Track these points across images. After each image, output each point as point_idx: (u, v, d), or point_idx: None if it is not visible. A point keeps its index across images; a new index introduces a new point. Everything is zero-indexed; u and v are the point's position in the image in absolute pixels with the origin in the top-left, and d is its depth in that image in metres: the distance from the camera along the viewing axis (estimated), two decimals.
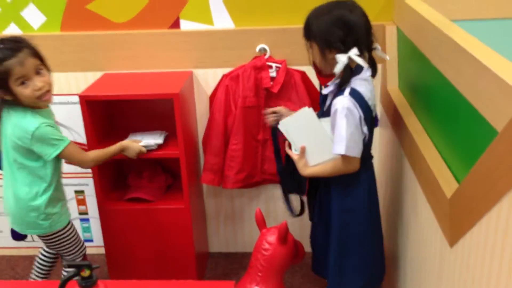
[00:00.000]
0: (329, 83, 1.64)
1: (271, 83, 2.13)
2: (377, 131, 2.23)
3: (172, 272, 2.26)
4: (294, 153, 1.72)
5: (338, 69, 1.53)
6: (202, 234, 2.45)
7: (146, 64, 2.22)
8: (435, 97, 1.49)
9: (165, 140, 2.13)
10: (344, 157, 1.58)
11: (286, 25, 2.13)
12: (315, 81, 2.19)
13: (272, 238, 1.83)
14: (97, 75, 2.23)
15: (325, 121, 1.65)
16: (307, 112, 1.66)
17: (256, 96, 2.15)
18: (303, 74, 2.16)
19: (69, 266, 1.04)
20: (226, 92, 2.15)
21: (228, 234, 2.54)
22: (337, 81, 1.59)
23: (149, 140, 2.06)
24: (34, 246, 2.58)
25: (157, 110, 2.23)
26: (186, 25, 2.16)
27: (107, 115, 2.22)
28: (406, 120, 1.68)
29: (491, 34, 1.60)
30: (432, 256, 1.40)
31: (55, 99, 2.27)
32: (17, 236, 2.61)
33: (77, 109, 2.25)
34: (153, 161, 2.28)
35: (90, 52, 2.20)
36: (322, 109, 1.73)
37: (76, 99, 2.26)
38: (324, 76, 1.66)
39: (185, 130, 2.08)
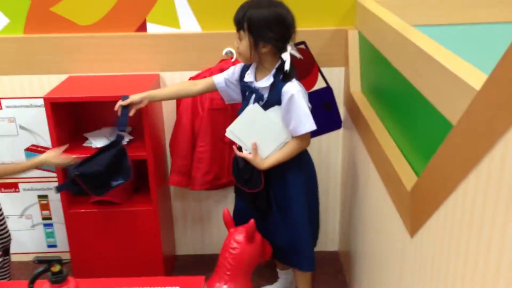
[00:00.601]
0: (263, 78, 1.76)
1: None
2: (340, 132, 2.30)
3: (139, 275, 2.24)
4: (246, 154, 1.79)
5: (287, 65, 1.68)
6: (169, 236, 2.45)
7: (112, 67, 2.21)
8: (395, 98, 1.56)
9: (132, 142, 2.13)
10: (305, 134, 1.74)
11: None
12: None
13: (240, 237, 1.86)
14: (62, 78, 2.21)
15: (272, 110, 1.75)
16: (253, 109, 1.76)
17: (223, 99, 2.17)
18: None
19: (39, 262, 1.04)
20: None
21: (195, 236, 2.55)
22: (272, 75, 1.73)
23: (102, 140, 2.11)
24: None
25: None
26: (152, 28, 2.18)
27: (72, 118, 2.20)
28: (369, 120, 1.75)
29: (449, 39, 1.69)
30: (393, 247, 1.46)
31: (18, 102, 2.26)
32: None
33: (41, 112, 2.24)
34: None
35: (55, 54, 2.18)
36: (251, 101, 1.80)
37: (40, 102, 2.24)
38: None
39: (152, 132, 2.08)
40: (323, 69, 2.10)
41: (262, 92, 1.77)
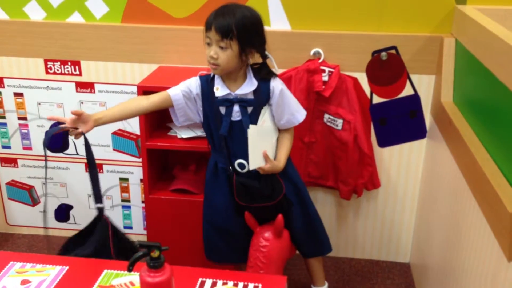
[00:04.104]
0: (243, 85, 1.72)
1: (323, 87, 2.16)
2: (424, 142, 2.23)
3: (209, 265, 2.29)
4: (263, 165, 1.76)
5: (275, 63, 1.78)
6: None
7: (202, 59, 2.25)
8: (497, 112, 1.49)
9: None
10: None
11: (342, 30, 2.15)
12: (367, 88, 2.21)
13: (268, 234, 1.84)
14: (152, 67, 2.29)
15: (262, 115, 1.74)
16: (253, 131, 1.72)
17: (307, 99, 2.17)
18: (355, 81, 2.18)
19: (141, 246, 1.08)
20: None
21: None
22: (252, 78, 1.72)
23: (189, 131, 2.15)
24: (77, 229, 2.66)
25: None
26: None
27: None
28: (462, 133, 1.68)
29: None
30: (484, 269, 1.40)
31: (110, 87, 2.36)
32: (60, 217, 2.69)
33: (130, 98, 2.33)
34: (200, 155, 2.32)
35: (148, 44, 2.26)
36: (234, 113, 1.73)
37: (130, 88, 2.34)
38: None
39: None
40: (412, 76, 2.04)
41: (247, 98, 1.72)
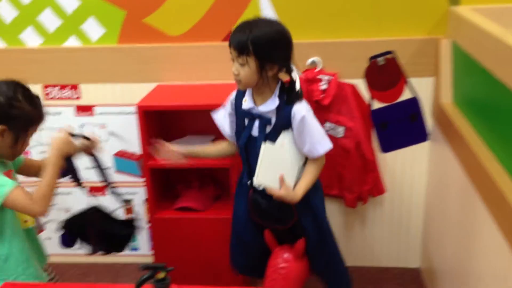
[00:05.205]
0: (266, 102, 1.64)
1: (322, 95, 2.15)
2: (427, 144, 2.22)
3: (218, 282, 2.27)
4: (276, 190, 1.65)
5: (298, 85, 1.63)
6: None
7: (199, 76, 2.27)
8: (500, 112, 1.48)
9: None
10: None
11: (338, 38, 2.15)
12: (366, 95, 2.21)
13: (287, 255, 1.78)
14: (150, 86, 2.29)
15: (282, 138, 1.65)
16: (267, 148, 1.64)
17: None
18: (354, 88, 2.18)
19: (145, 268, 1.07)
20: None
21: None
22: (276, 97, 1.62)
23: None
24: (82, 254, 2.64)
25: (208, 121, 2.27)
26: None
27: (159, 125, 2.27)
28: (465, 134, 1.67)
29: None
30: (494, 267, 1.38)
31: (110, 109, 2.37)
32: (65, 243, 2.67)
33: (130, 119, 2.34)
34: (202, 171, 2.32)
35: (146, 64, 2.27)
36: (254, 128, 1.69)
37: (129, 109, 2.33)
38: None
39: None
40: (411, 80, 2.04)
41: (267, 116, 1.66)
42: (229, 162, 2.08)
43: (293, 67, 1.65)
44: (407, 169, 2.31)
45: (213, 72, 2.26)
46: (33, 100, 1.49)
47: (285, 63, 1.61)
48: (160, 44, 2.24)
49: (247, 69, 1.58)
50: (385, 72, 2.15)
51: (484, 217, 1.47)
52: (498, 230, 1.35)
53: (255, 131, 1.68)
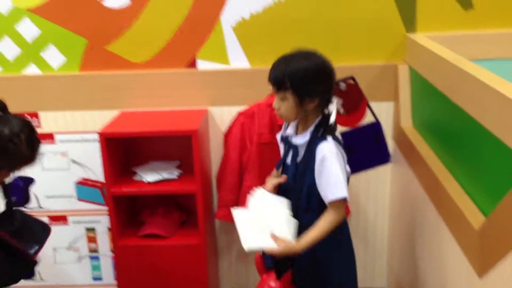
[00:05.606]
0: (301, 134, 1.61)
1: None
2: (389, 166, 2.27)
3: None
4: (274, 250, 1.52)
5: (333, 117, 1.55)
6: (214, 270, 2.43)
7: (163, 102, 2.26)
8: (455, 133, 1.53)
9: (180, 176, 2.16)
10: (337, 203, 1.52)
11: None
12: None
13: (273, 283, 1.69)
14: (114, 113, 2.27)
15: (262, 192, 1.64)
16: (237, 213, 1.61)
17: (271, 133, 2.19)
18: None
19: None
20: (242, 129, 2.19)
21: (240, 270, 2.53)
22: (309, 132, 1.57)
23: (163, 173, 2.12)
24: (43, 285, 2.56)
25: (172, 147, 2.27)
26: (202, 64, 2.23)
27: (122, 152, 2.24)
28: (425, 156, 1.72)
29: (503, 74, 1.67)
30: (460, 287, 1.41)
31: (71, 137, 2.32)
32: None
33: (92, 146, 2.30)
34: (168, 197, 2.29)
35: (108, 91, 2.25)
36: (289, 158, 1.66)
37: (91, 136, 2.30)
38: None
39: (201, 166, 2.10)
40: (371, 104, 2.09)
41: (299, 149, 1.62)
42: (194, 188, 2.07)
43: (333, 100, 1.59)
44: (371, 191, 2.35)
45: (177, 99, 2.26)
46: (33, 144, 1.53)
47: (325, 95, 1.55)
48: (123, 71, 2.23)
49: (286, 104, 1.54)
50: (347, 97, 2.19)
51: (444, 234, 1.51)
52: (458, 246, 1.38)
53: (289, 159, 1.67)
